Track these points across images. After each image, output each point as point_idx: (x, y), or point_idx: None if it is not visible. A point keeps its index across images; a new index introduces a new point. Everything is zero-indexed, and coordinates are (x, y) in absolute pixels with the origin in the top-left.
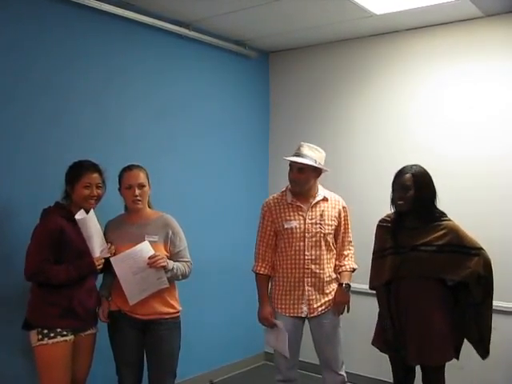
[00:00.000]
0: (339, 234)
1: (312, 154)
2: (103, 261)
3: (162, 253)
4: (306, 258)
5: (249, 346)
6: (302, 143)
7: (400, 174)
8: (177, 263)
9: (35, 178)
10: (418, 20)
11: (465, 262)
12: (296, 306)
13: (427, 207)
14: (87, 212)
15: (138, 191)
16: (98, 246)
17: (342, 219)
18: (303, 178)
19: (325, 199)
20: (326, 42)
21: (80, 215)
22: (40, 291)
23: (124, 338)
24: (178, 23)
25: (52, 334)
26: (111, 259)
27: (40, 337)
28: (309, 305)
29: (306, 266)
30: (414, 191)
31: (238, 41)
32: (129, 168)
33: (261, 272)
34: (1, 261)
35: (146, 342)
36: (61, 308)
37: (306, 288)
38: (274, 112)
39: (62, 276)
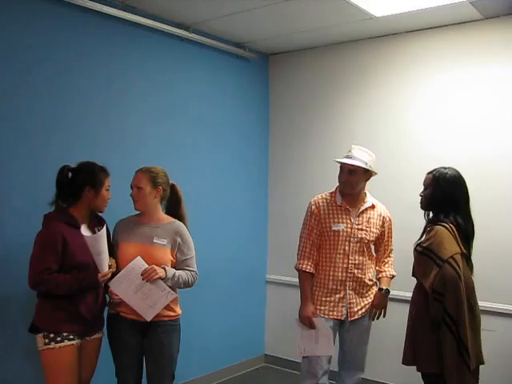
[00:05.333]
0: (382, 241)
1: (362, 156)
2: (110, 275)
3: (168, 257)
4: (350, 262)
5: (249, 348)
6: (353, 145)
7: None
8: (180, 271)
9: (36, 180)
10: (418, 22)
11: (431, 271)
12: (336, 309)
13: (433, 208)
14: (97, 216)
15: (134, 192)
16: (106, 261)
17: (386, 228)
18: (354, 181)
19: (372, 206)
20: (325, 44)
21: (87, 232)
22: (48, 295)
23: (123, 341)
24: (178, 25)
25: (59, 338)
26: (109, 284)
27: (46, 341)
28: (349, 308)
29: (350, 270)
30: (427, 191)
31: (238, 43)
32: (137, 170)
33: (307, 270)
34: (3, 263)
35: (145, 344)
36: (68, 312)
37: (348, 291)
38: (274, 114)
39: (64, 289)
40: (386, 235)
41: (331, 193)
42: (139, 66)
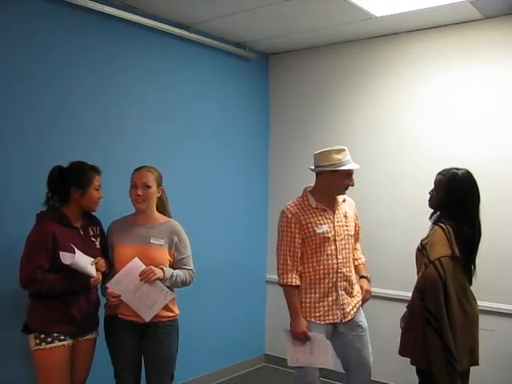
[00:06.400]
0: (355, 230)
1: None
2: (101, 278)
3: (166, 257)
4: (339, 261)
5: (249, 348)
6: (342, 147)
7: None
8: (177, 271)
9: (35, 180)
10: (418, 22)
11: (421, 269)
12: (331, 312)
13: (442, 210)
14: (85, 216)
15: (140, 191)
16: (92, 268)
17: (356, 217)
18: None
19: (344, 200)
20: (325, 44)
21: (69, 259)
22: (39, 296)
23: (122, 343)
24: (178, 25)
25: (49, 339)
26: (108, 285)
27: (37, 341)
28: (342, 309)
29: (339, 270)
30: (438, 192)
31: (238, 43)
32: (138, 168)
33: (293, 284)
34: (1, 264)
35: (144, 345)
36: (59, 313)
37: (340, 292)
38: (274, 113)
39: (56, 289)
40: (357, 223)
41: (301, 197)
42: (139, 66)
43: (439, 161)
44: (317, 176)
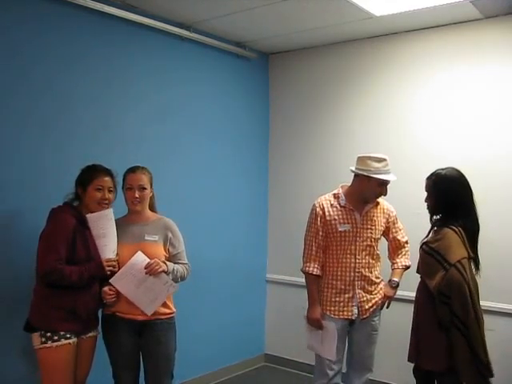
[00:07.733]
0: (391, 235)
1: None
2: (115, 263)
3: (162, 252)
4: (358, 261)
5: (249, 347)
6: (385, 157)
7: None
8: (176, 265)
9: (35, 180)
10: (418, 22)
11: (437, 273)
12: (346, 308)
13: (440, 213)
14: None
15: (137, 193)
16: (109, 248)
17: (391, 223)
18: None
19: (376, 204)
20: (325, 43)
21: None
22: (44, 293)
23: (120, 341)
24: (178, 25)
25: (56, 337)
26: (111, 281)
27: (43, 339)
28: (361, 307)
29: (357, 270)
30: (430, 198)
31: (239, 42)
32: (132, 170)
33: (314, 273)
34: (1, 263)
35: (142, 343)
36: (65, 311)
37: (357, 291)
38: (274, 113)
39: (75, 277)
40: (394, 228)
41: (334, 194)
42: (139, 66)
43: (439, 161)
44: (354, 177)
